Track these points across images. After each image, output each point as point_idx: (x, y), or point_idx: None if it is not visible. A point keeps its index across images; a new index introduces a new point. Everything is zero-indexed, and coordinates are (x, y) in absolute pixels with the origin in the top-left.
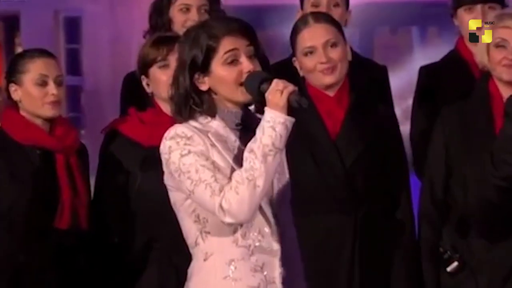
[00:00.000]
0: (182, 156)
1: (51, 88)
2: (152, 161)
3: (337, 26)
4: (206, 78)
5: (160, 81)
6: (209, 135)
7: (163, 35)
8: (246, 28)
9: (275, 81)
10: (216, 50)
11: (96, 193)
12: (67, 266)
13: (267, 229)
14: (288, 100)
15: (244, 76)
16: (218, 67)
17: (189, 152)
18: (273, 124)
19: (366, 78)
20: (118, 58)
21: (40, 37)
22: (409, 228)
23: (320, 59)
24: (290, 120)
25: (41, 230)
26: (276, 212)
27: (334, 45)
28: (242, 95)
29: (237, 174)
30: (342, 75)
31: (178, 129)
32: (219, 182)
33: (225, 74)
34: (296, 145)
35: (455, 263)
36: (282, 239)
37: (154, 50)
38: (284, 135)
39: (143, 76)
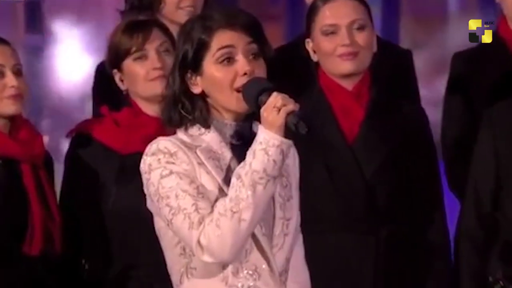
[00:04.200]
0: (162, 177)
1: (10, 79)
2: (129, 172)
3: (367, 6)
4: (198, 79)
5: (137, 75)
6: (198, 151)
7: (136, 20)
8: (250, 21)
9: (273, 95)
10: (209, 46)
11: (61, 210)
12: None
13: (264, 266)
14: (285, 121)
15: (240, 79)
16: (210, 66)
17: (171, 172)
18: (266, 147)
19: (388, 67)
20: (88, 12)
21: None
22: (443, 252)
23: (342, 40)
24: (287, 143)
25: (7, 257)
26: (277, 246)
27: (361, 28)
28: (237, 103)
29: (221, 204)
30: (364, 65)
31: (160, 143)
32: (200, 212)
33: (218, 75)
34: (305, 150)
35: None
36: (285, 279)
37: (127, 39)
38: (278, 161)
39: (115, 71)
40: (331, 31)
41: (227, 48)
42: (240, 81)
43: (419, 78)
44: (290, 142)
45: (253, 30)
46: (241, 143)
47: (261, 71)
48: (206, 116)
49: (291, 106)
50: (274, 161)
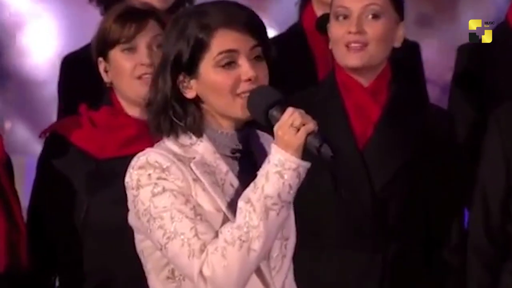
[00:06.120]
0: (154, 195)
1: None
2: (104, 179)
3: None
4: (193, 82)
5: (123, 69)
6: (192, 165)
7: (132, 7)
8: (254, 21)
9: (289, 111)
10: (208, 47)
11: (30, 220)
12: None
13: None
14: (305, 143)
15: (243, 84)
16: (209, 70)
17: (164, 190)
18: (282, 169)
19: (395, 61)
20: None
21: None
22: (460, 272)
23: (349, 27)
24: (305, 166)
25: None
26: (275, 269)
27: (376, 15)
28: (240, 110)
29: (227, 231)
30: (374, 60)
31: (150, 156)
32: (201, 238)
33: (218, 80)
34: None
35: None
36: None
37: (118, 27)
38: (294, 185)
39: (100, 59)
40: (342, 15)
41: (230, 52)
42: (243, 87)
43: (426, 56)
44: (308, 164)
45: (257, 31)
46: (237, 155)
47: (264, 74)
48: (199, 124)
49: (311, 125)
50: (290, 185)
